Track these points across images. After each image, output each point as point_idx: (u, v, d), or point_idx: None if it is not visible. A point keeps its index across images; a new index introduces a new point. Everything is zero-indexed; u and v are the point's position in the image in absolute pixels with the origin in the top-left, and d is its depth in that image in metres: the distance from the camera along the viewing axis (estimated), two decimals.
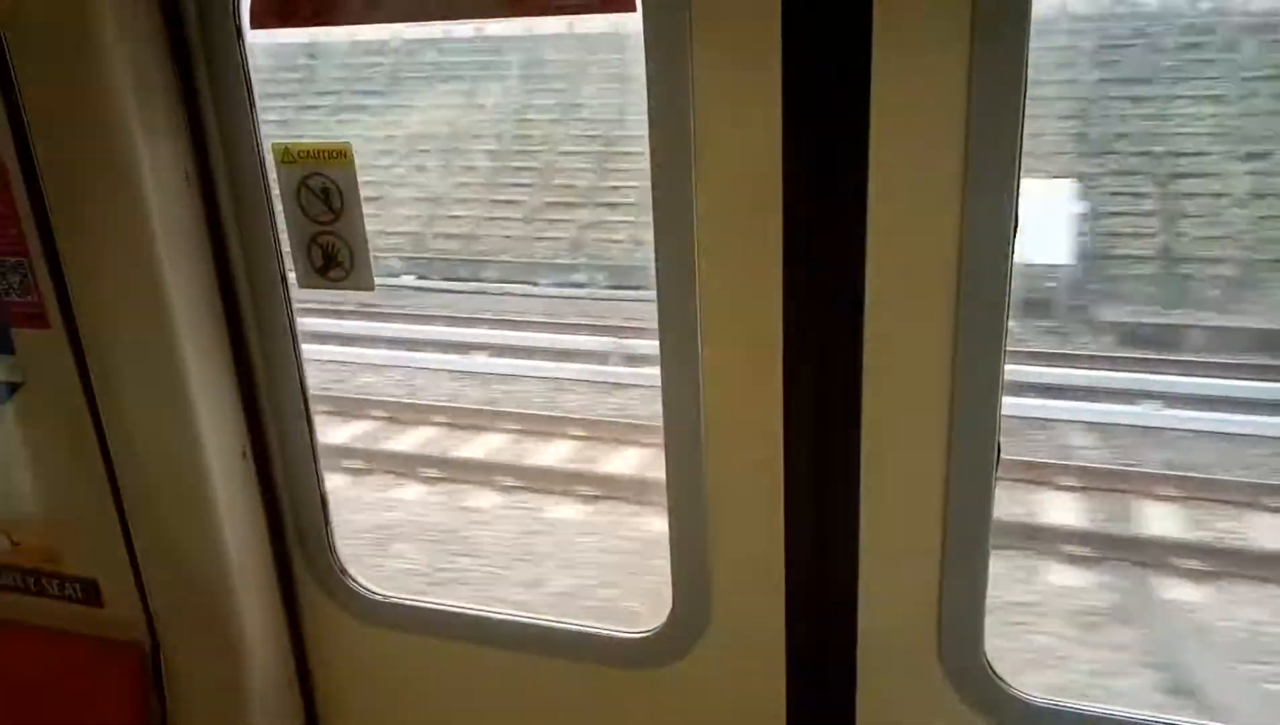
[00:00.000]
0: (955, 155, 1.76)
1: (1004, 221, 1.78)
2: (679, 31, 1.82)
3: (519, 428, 9.62)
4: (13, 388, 2.38)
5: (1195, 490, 7.85)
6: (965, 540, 2.00)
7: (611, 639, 2.37)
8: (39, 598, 2.59)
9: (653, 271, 2.01)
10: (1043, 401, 9.19)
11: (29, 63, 2.04)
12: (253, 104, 2.16)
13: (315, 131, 15.95)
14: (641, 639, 2.32)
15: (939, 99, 1.74)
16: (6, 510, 2.56)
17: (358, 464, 9.04)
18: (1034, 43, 1.71)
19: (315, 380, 2.39)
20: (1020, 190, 1.78)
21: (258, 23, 2.10)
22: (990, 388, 1.89)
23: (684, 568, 2.22)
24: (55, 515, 2.52)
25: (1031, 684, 2.08)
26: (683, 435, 2.11)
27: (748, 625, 2.22)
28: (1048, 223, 11.22)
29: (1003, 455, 1.98)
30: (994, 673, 2.08)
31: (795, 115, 1.82)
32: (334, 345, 11.25)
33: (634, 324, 11.31)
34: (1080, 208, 12.15)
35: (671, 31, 1.83)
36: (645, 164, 1.95)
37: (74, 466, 2.40)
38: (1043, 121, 12.54)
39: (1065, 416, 9.12)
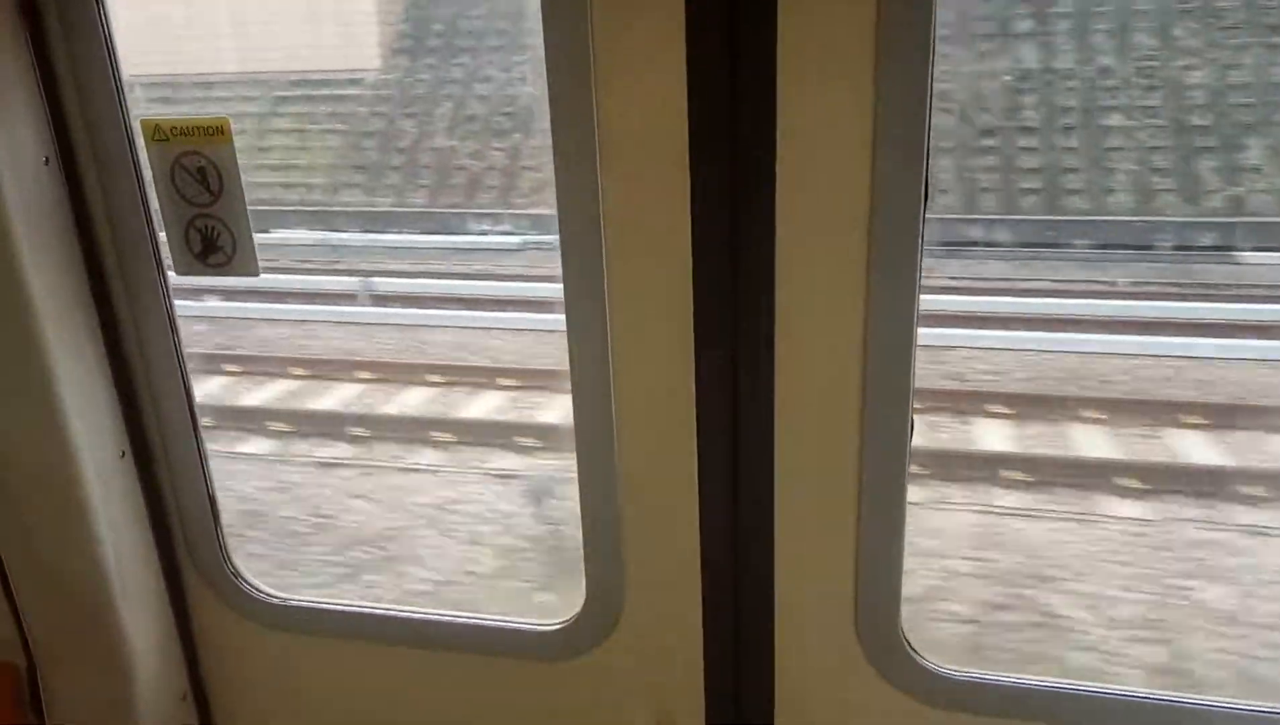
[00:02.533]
0: (864, 110, 1.72)
1: (915, 182, 1.75)
2: (580, 9, 1.74)
3: None
4: None
5: None
6: (880, 517, 1.99)
7: (525, 631, 2.29)
8: None
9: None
10: None
11: None
12: (118, 77, 2.00)
13: None
14: (555, 630, 2.25)
15: (845, 57, 1.70)
16: None
17: None
18: None
19: None
20: (930, 147, 1.75)
21: None
22: (902, 360, 1.87)
23: (597, 556, 2.16)
24: None
25: None
26: (593, 422, 2.04)
27: (664, 612, 2.17)
28: None
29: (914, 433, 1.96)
30: (911, 648, 2.08)
31: (699, 76, 1.76)
32: None
33: None
34: None
35: (572, 9, 1.75)
36: None
37: None
38: None
39: None
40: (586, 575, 2.19)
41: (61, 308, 2.06)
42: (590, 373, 2.00)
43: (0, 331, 2.03)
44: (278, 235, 12.06)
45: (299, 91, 13.44)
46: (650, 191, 1.85)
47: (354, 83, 13.41)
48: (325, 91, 13.55)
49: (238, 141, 2.03)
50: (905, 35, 1.66)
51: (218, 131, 2.00)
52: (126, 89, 2.02)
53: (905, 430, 1.93)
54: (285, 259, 11.70)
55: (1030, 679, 2.04)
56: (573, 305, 1.96)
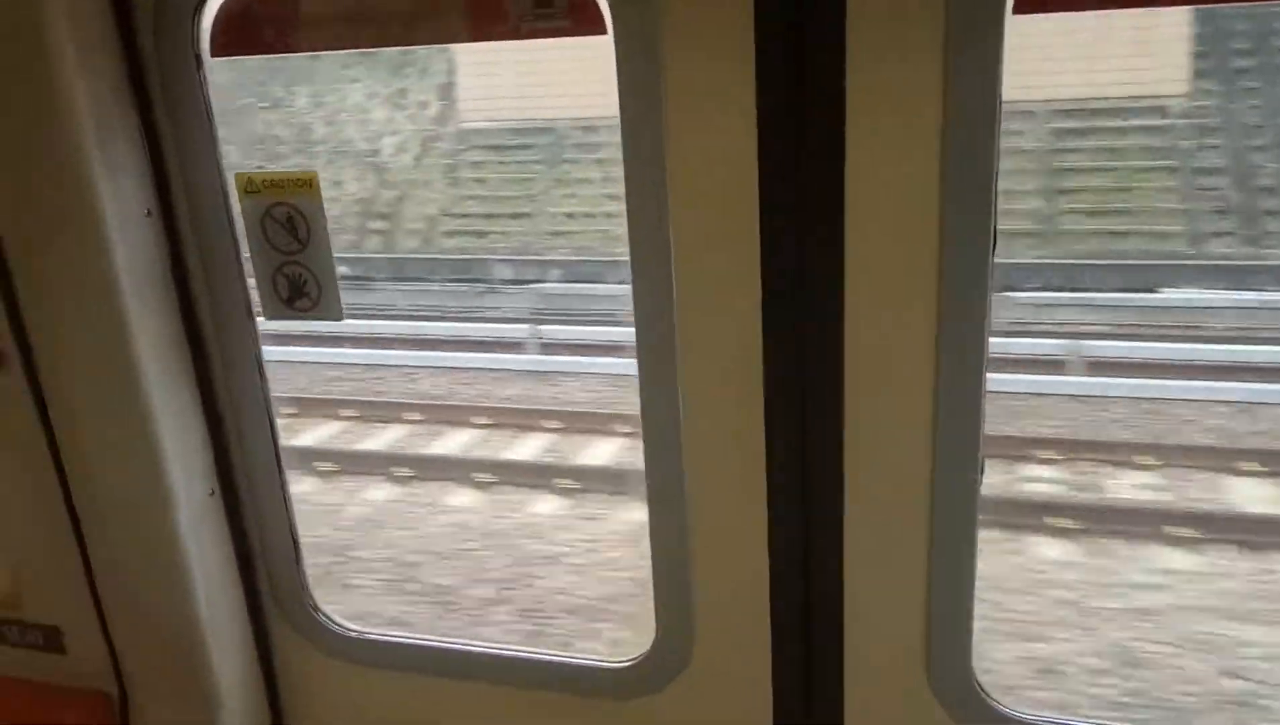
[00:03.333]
0: (932, 149, 1.75)
1: (984, 228, 1.77)
2: (651, 53, 1.81)
3: None
4: None
5: None
6: (951, 560, 1.99)
7: (594, 669, 2.32)
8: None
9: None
10: None
11: None
12: (214, 134, 2.12)
13: None
14: (624, 669, 2.28)
15: (914, 107, 1.73)
16: None
17: None
18: None
19: None
20: (999, 184, 1.77)
21: (219, 50, 2.05)
22: (973, 404, 1.88)
23: (667, 595, 2.18)
24: (16, 561, 2.44)
25: None
26: (663, 464, 2.08)
27: (733, 652, 2.18)
28: None
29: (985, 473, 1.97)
30: (984, 691, 2.06)
31: (770, 128, 1.81)
32: None
33: None
34: None
35: (643, 52, 1.81)
36: None
37: (34, 510, 2.32)
38: None
39: None
40: (656, 615, 2.21)
41: (160, 351, 2.17)
42: (660, 416, 2.05)
43: (104, 377, 2.14)
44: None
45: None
46: (720, 238, 1.90)
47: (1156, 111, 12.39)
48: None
49: None
50: (972, 84, 1.69)
51: (306, 184, 2.10)
52: (222, 145, 2.13)
53: (975, 471, 1.93)
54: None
55: (1101, 721, 2.01)
56: (644, 353, 2.02)
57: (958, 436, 1.91)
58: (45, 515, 2.31)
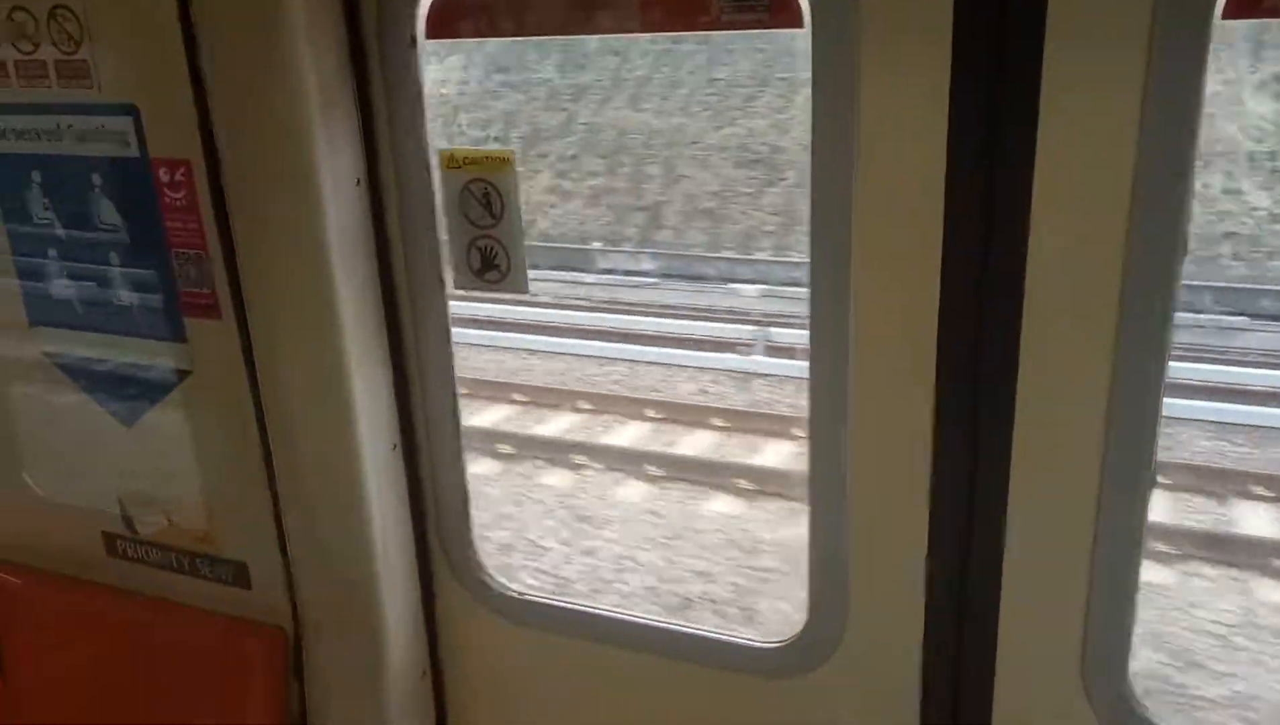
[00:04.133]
0: (1125, 166, 1.75)
1: (1173, 234, 1.77)
2: (848, 46, 1.86)
3: None
4: (182, 374, 2.51)
5: None
6: (1116, 558, 1.97)
7: (745, 646, 2.39)
8: (191, 577, 2.71)
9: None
10: None
11: (219, 66, 2.17)
12: (422, 111, 2.26)
13: None
14: (776, 648, 2.33)
15: (1110, 109, 1.74)
16: (166, 491, 2.68)
17: None
18: None
19: None
20: (1191, 201, 1.76)
21: (433, 32, 2.19)
22: (1150, 403, 1.87)
23: (822, 576, 2.23)
24: (211, 499, 2.64)
25: None
26: (828, 440, 2.13)
27: (884, 639, 2.21)
28: None
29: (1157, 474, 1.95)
30: (1137, 701, 2.04)
31: (961, 127, 1.84)
32: None
33: None
34: None
35: (840, 46, 1.87)
36: None
37: (233, 454, 2.51)
38: None
39: None
40: (810, 596, 2.26)
41: (359, 315, 2.32)
42: (827, 408, 2.10)
43: (308, 334, 2.31)
44: None
45: None
46: (902, 240, 1.95)
47: None
48: None
49: None
50: (1172, 102, 1.69)
51: (503, 162, 2.22)
52: (429, 122, 2.27)
53: (1147, 472, 1.92)
54: None
55: None
56: (817, 334, 2.07)
57: (1132, 443, 1.90)
58: (242, 458, 2.49)
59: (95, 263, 2.49)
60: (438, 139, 2.30)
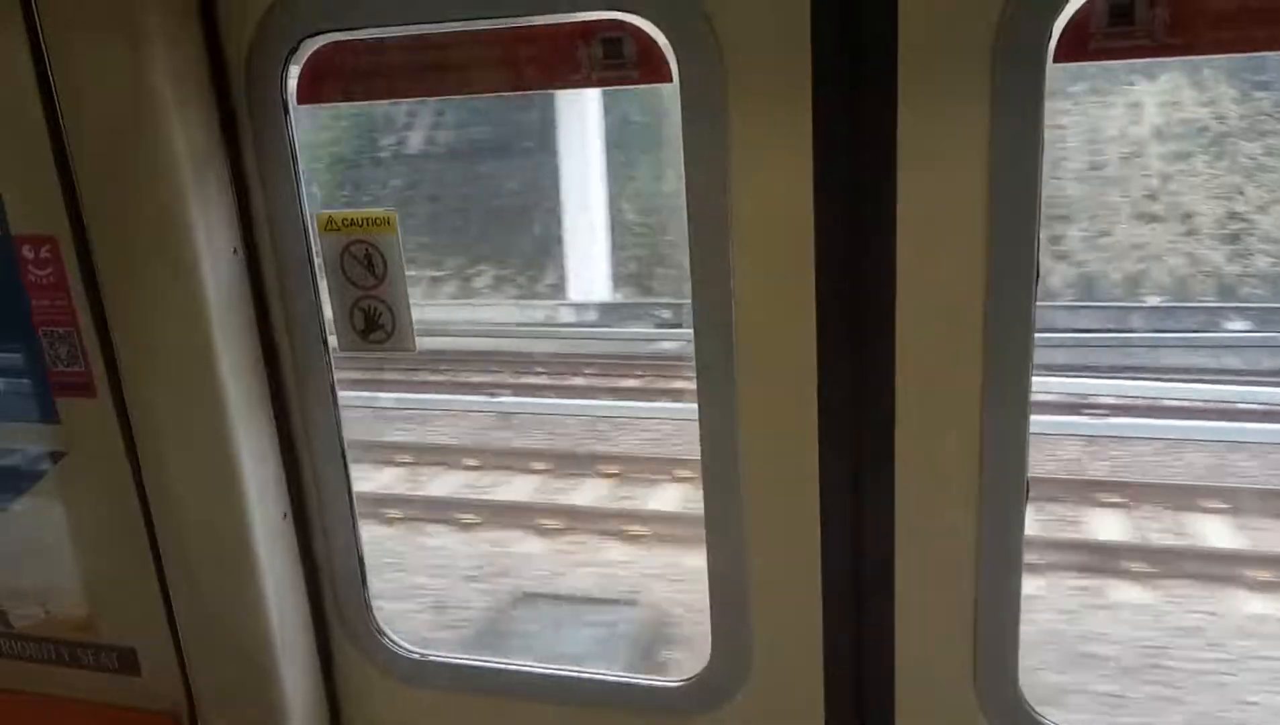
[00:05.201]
0: (979, 208, 1.88)
1: (1026, 261, 1.89)
2: (714, 98, 1.94)
3: None
4: (55, 457, 2.42)
5: None
6: (998, 575, 2.08)
7: (651, 688, 2.41)
8: (73, 668, 2.59)
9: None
10: None
11: (84, 140, 2.12)
12: (298, 176, 2.25)
13: None
14: (681, 687, 2.36)
15: (962, 154, 1.86)
16: (43, 580, 2.57)
17: None
18: None
19: None
20: (1039, 235, 1.89)
21: (305, 97, 2.19)
22: (1018, 424, 1.99)
23: (723, 613, 2.27)
24: (93, 584, 2.54)
25: None
26: (721, 481, 2.18)
27: (786, 670, 2.27)
28: None
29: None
30: (1030, 708, 2.14)
31: (826, 173, 1.94)
32: None
33: None
34: None
35: (707, 98, 1.95)
36: None
37: (114, 534, 2.42)
38: None
39: None
40: (713, 634, 2.30)
41: (241, 380, 2.28)
42: (720, 448, 2.15)
43: (189, 406, 2.26)
44: None
45: None
46: (778, 276, 2.03)
47: None
48: None
49: None
50: (1016, 134, 1.83)
51: (385, 222, 2.23)
52: (305, 186, 2.27)
53: (1022, 493, 2.03)
54: None
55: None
56: (703, 382, 2.13)
57: (1004, 460, 2.01)
58: (125, 539, 2.41)
59: None
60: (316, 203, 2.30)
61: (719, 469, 2.18)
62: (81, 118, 2.11)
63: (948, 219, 1.91)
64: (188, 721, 2.54)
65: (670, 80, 1.98)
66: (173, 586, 2.43)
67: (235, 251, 2.25)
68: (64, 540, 2.51)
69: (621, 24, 2.01)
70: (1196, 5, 1.83)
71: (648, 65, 2.02)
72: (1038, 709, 2.15)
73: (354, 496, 2.49)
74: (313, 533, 2.51)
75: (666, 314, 14.87)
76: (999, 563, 2.07)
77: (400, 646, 2.56)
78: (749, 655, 2.28)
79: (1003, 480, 2.02)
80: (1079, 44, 1.86)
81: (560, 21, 2.06)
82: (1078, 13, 1.81)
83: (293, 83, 2.20)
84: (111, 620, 2.54)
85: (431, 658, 2.56)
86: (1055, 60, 1.84)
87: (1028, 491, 2.05)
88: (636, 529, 9.01)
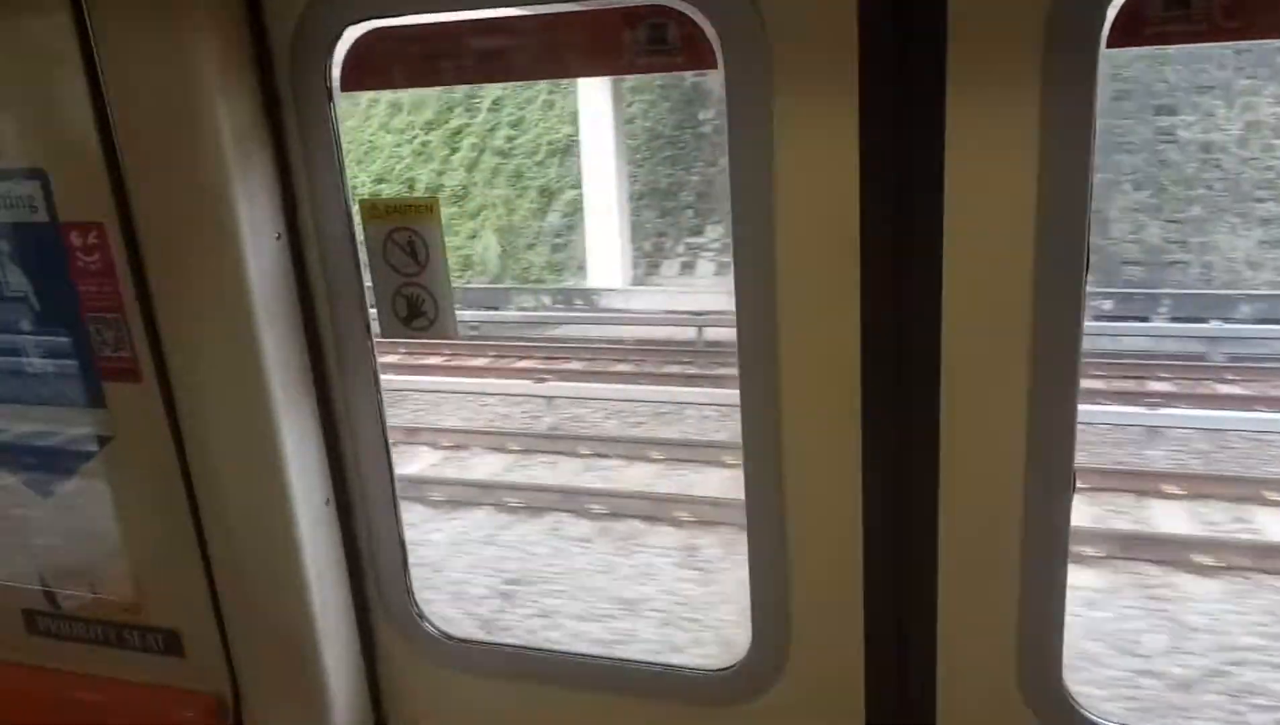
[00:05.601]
0: (1028, 196, 1.85)
1: (1077, 255, 1.86)
2: (760, 85, 1.92)
3: None
4: (102, 441, 2.45)
5: None
6: (1043, 569, 2.06)
7: (690, 676, 2.41)
8: (119, 649, 2.63)
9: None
10: None
11: (131, 125, 2.14)
12: (341, 162, 2.26)
13: None
14: (720, 676, 2.36)
15: (1012, 143, 1.83)
16: (90, 561, 2.60)
17: None
18: None
19: None
20: (1091, 225, 1.86)
21: (348, 85, 2.20)
22: (1066, 416, 1.96)
23: (763, 603, 2.27)
24: (139, 566, 2.57)
25: None
26: (762, 469, 2.17)
27: (826, 661, 2.26)
28: None
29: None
30: (1074, 700, 2.12)
31: (872, 162, 1.92)
32: None
33: None
34: None
35: (752, 85, 1.93)
36: None
37: (160, 518, 2.45)
38: None
39: None
40: (753, 623, 2.29)
41: (285, 366, 2.30)
42: (760, 431, 2.14)
43: (233, 391, 2.28)
44: None
45: None
46: (823, 278, 2.01)
47: None
48: None
49: None
50: (1068, 117, 1.79)
51: (427, 209, 2.23)
52: (348, 173, 2.27)
53: (1068, 486, 2.00)
54: None
55: None
56: (746, 367, 2.11)
57: (1051, 453, 1.98)
58: (170, 522, 2.43)
59: (5, 332, 2.42)
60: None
61: (760, 458, 2.16)
62: (128, 105, 2.12)
63: (996, 207, 1.88)
64: (231, 703, 2.57)
65: (715, 67, 1.97)
66: (217, 570, 2.46)
67: (279, 237, 2.26)
68: (110, 524, 2.55)
69: (666, 9, 1.99)
70: None
71: (692, 51, 2.00)
72: (1082, 703, 2.13)
73: (395, 482, 2.50)
74: (355, 518, 2.53)
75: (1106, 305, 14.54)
76: (1044, 556, 2.05)
77: (442, 632, 2.58)
78: (787, 646, 2.27)
79: (1049, 472, 2.00)
80: (1133, 28, 1.83)
81: (604, 7, 2.04)
82: None
83: (336, 69, 2.20)
84: (157, 603, 2.57)
85: (472, 643, 2.58)
86: (1109, 45, 1.81)
87: (1074, 484, 2.02)
88: None
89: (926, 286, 1.95)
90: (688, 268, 15.95)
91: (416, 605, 2.58)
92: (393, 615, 2.59)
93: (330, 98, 2.21)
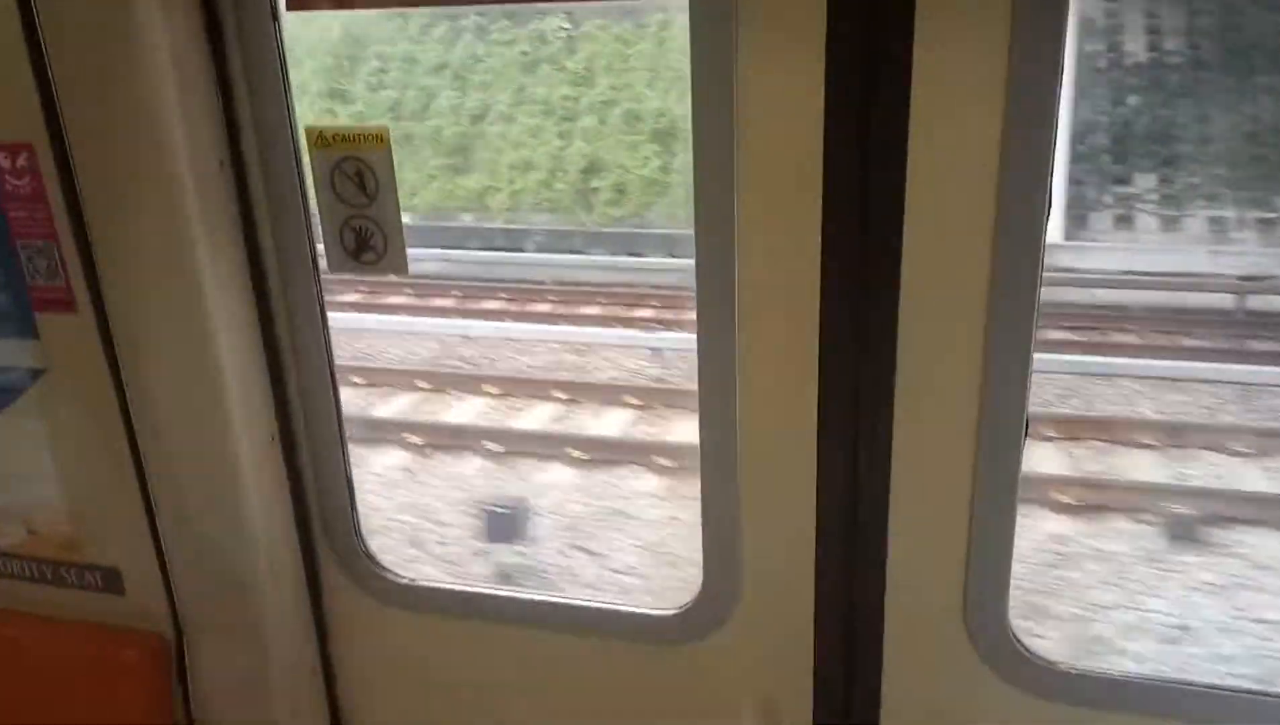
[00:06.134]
0: (992, 141, 1.82)
1: (1038, 200, 1.85)
2: (724, 19, 1.87)
3: None
4: (35, 373, 2.36)
5: None
6: (992, 509, 2.07)
7: (642, 616, 2.41)
8: (57, 587, 2.56)
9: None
10: None
11: (63, 42, 2.03)
12: (287, 88, 2.17)
13: None
14: (673, 615, 2.36)
15: (978, 85, 1.80)
16: (25, 498, 2.53)
17: None
18: None
19: None
20: (1053, 172, 1.84)
21: (294, 4, 2.10)
22: (1021, 358, 1.96)
23: (715, 542, 2.26)
24: (76, 503, 2.50)
25: None
26: (717, 409, 2.15)
27: (778, 605, 2.27)
28: None
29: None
30: (1018, 640, 2.15)
31: (837, 103, 1.88)
32: None
33: None
34: None
35: (717, 19, 1.87)
36: None
37: (98, 453, 2.38)
38: None
39: None
40: (704, 564, 2.29)
41: (228, 299, 2.23)
42: (717, 369, 2.12)
43: (173, 323, 2.20)
44: None
45: None
46: (783, 214, 1.98)
47: None
48: None
49: None
50: (1033, 66, 1.77)
51: (377, 139, 2.15)
52: (295, 98, 2.18)
53: (1020, 431, 2.01)
54: None
55: (1139, 672, 2.11)
56: (704, 307, 2.09)
57: (1004, 395, 1.99)
58: (108, 458, 2.36)
59: None
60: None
61: (715, 398, 2.15)
62: (58, 19, 2.01)
63: (960, 151, 1.86)
64: (174, 642, 2.52)
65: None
66: (157, 507, 2.40)
67: (221, 164, 2.17)
68: (47, 459, 2.47)
69: None
70: None
71: None
72: (1024, 641, 2.16)
73: (343, 419, 2.45)
74: (300, 455, 2.47)
75: None
76: (994, 498, 2.06)
77: (388, 571, 2.55)
78: (739, 585, 2.27)
79: (1002, 417, 2.00)
80: None
81: None
82: None
83: None
84: (95, 540, 2.51)
85: (420, 583, 2.55)
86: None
87: (1027, 429, 2.03)
88: None
89: (887, 229, 1.93)
90: (1123, 222, 13.57)
91: (363, 543, 2.54)
92: (338, 554, 2.55)
93: (276, 17, 2.11)
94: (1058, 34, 1.75)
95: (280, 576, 2.47)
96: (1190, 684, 2.11)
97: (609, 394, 9.77)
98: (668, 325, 11.10)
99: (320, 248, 2.29)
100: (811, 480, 2.15)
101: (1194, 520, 7.36)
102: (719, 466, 2.19)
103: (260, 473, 2.37)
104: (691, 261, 2.06)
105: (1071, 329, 11.03)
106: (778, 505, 2.19)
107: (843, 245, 1.96)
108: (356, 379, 10.23)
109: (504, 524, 7.58)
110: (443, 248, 13.74)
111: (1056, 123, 1.80)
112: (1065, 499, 7.62)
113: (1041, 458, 8.20)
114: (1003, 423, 2.01)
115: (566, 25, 15.18)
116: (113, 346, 2.25)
